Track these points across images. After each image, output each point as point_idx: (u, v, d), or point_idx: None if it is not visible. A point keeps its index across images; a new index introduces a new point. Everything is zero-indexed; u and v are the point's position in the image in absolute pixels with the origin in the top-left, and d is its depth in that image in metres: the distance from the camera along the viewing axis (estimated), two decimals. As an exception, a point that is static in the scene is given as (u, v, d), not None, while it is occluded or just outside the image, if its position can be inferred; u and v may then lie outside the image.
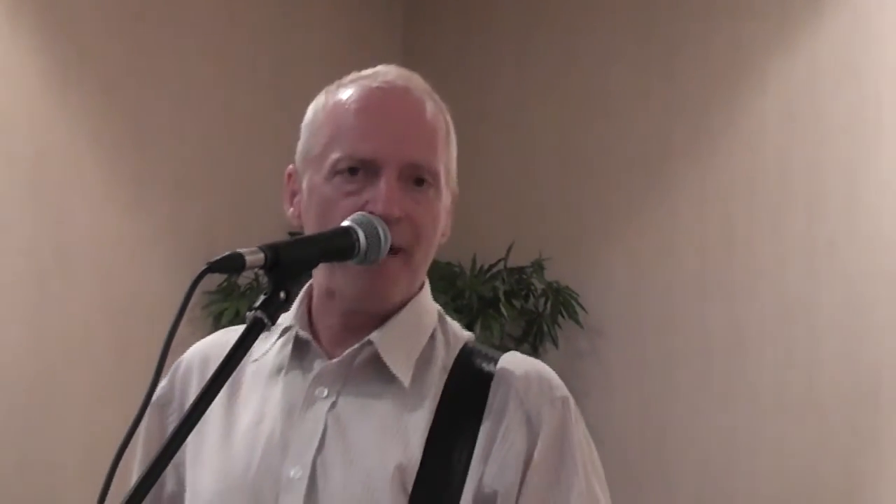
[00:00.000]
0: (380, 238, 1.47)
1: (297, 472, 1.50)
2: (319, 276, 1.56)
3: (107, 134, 4.22)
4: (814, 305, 4.16)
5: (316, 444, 1.51)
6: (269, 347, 1.59)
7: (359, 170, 1.51)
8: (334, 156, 1.52)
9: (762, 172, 4.32)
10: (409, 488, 1.47)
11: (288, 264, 1.37)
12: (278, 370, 1.58)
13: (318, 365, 1.56)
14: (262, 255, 1.35)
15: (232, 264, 1.32)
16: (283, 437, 1.53)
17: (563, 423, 1.53)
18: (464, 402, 1.52)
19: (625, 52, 4.67)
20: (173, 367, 1.66)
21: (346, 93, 1.56)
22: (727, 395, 4.32)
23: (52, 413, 4.01)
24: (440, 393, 1.53)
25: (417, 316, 1.58)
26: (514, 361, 1.56)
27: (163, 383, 1.65)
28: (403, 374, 1.53)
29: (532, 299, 4.62)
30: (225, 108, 4.55)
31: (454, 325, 1.62)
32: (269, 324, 1.35)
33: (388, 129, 1.53)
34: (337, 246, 1.45)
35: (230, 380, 1.37)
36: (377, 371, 1.54)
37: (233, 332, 1.63)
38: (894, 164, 4.01)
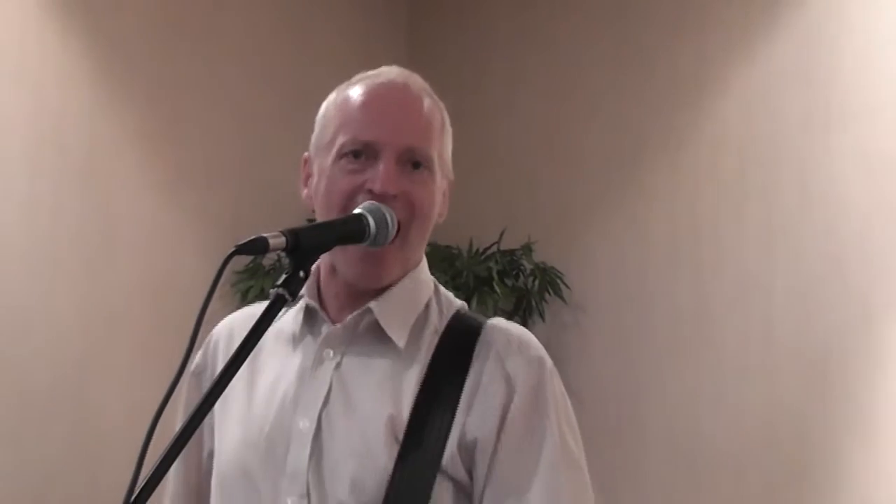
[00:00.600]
0: (387, 223, 1.47)
1: (305, 424, 1.51)
2: (326, 255, 1.57)
3: (147, 130, 4.23)
4: (770, 283, 4.16)
5: (322, 399, 1.52)
6: (283, 315, 1.59)
7: (362, 153, 1.52)
8: (341, 140, 1.54)
9: (725, 165, 4.32)
10: (401, 436, 1.48)
11: (307, 247, 1.38)
12: (293, 336, 1.59)
13: (325, 330, 1.57)
14: (283, 239, 1.35)
15: (257, 247, 1.33)
16: (295, 394, 1.54)
17: (539, 379, 1.53)
18: (451, 360, 1.53)
19: (605, 57, 4.67)
20: (206, 339, 1.68)
21: (353, 89, 1.58)
22: (693, 362, 4.32)
23: (98, 382, 4.02)
24: (431, 352, 1.54)
25: (413, 287, 1.58)
26: (497, 325, 1.58)
27: (198, 355, 1.66)
28: (399, 337, 1.54)
29: (522, 278, 4.61)
30: (249, 107, 4.56)
31: (448, 295, 1.64)
32: (290, 299, 1.36)
33: (388, 117, 1.54)
34: (350, 230, 1.45)
35: None
36: (377, 335, 1.55)
37: (257, 306, 1.65)
38: (841, 159, 4.01)
